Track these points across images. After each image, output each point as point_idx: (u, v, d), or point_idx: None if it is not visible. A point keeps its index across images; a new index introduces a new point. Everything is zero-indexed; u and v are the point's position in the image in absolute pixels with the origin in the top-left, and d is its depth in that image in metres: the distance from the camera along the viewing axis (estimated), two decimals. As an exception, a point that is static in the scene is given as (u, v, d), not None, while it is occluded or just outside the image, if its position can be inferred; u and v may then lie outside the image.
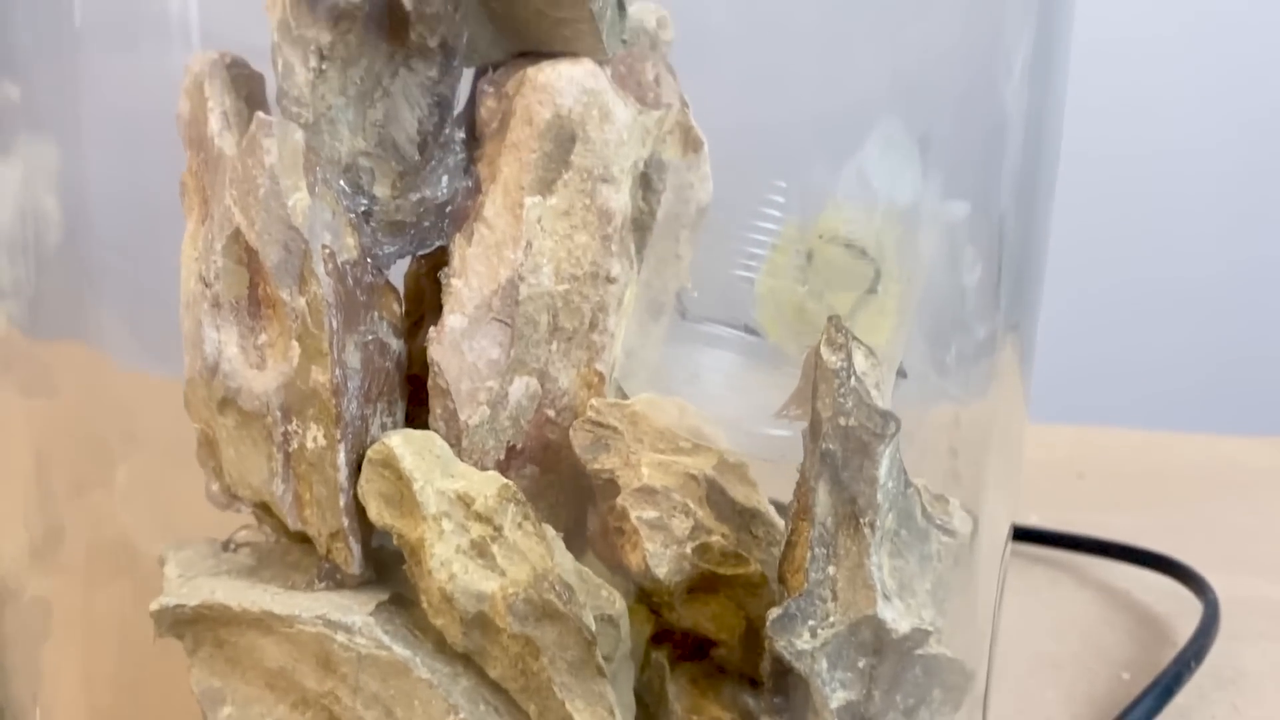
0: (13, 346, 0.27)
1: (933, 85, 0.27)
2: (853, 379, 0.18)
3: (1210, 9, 0.67)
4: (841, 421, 0.18)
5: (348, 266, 0.21)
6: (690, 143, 0.25)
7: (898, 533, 0.19)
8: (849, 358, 0.18)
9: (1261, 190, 0.70)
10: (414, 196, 0.21)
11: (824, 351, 0.18)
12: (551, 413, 0.22)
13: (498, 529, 0.20)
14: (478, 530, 0.20)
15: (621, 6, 0.21)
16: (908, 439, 0.23)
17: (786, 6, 0.26)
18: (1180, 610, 0.35)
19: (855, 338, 0.18)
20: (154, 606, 0.21)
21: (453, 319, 0.22)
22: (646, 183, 0.24)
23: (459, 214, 0.22)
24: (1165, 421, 0.57)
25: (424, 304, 0.24)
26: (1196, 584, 0.35)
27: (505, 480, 0.20)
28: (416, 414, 0.23)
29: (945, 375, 0.27)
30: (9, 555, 0.27)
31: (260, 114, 0.20)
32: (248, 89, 0.22)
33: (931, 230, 0.23)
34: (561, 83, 0.21)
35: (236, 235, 0.20)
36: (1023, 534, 0.40)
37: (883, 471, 0.18)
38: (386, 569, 0.22)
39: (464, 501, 0.20)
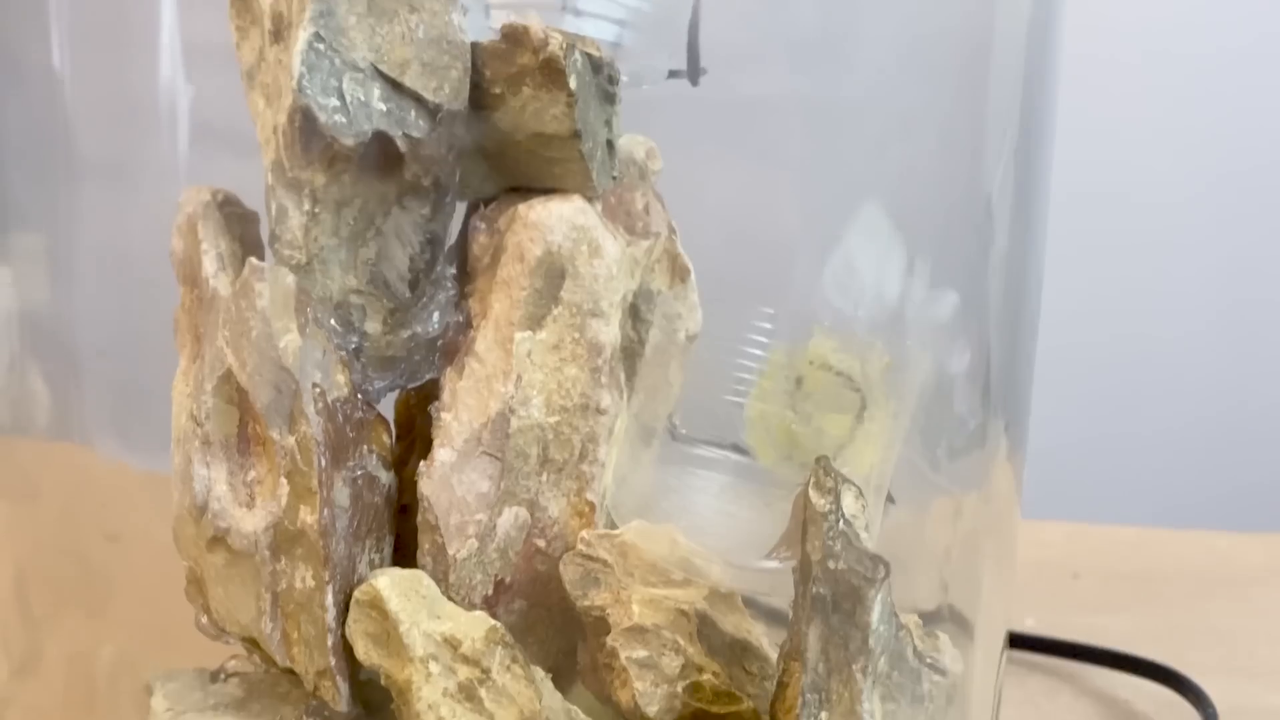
0: None
1: (920, 184, 0.27)
2: (841, 522, 0.18)
3: (1197, 97, 0.68)
4: (831, 565, 0.18)
5: (338, 404, 0.21)
6: (678, 271, 0.25)
7: (889, 675, 0.19)
8: (837, 500, 0.18)
9: (1252, 279, 0.71)
10: (405, 333, 0.22)
11: (812, 494, 0.18)
12: (541, 543, 0.22)
13: (485, 671, 0.20)
14: (465, 673, 0.20)
15: (611, 145, 0.22)
16: (899, 538, 0.23)
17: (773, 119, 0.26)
18: (1180, 722, 0.35)
19: (844, 479, 0.19)
20: (138, 751, 0.20)
21: (442, 453, 0.22)
22: (635, 313, 0.24)
23: (450, 348, 0.22)
24: (1157, 514, 0.57)
25: (414, 430, 0.24)
26: (1195, 695, 0.34)
27: (493, 622, 0.20)
28: (407, 540, 0.23)
29: (937, 470, 0.27)
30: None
31: (253, 260, 0.20)
32: (241, 228, 0.23)
33: (920, 332, 0.24)
34: (552, 220, 0.22)
35: (228, 375, 0.20)
36: (1020, 641, 0.40)
37: (875, 617, 0.18)
38: (375, 704, 0.22)
39: (451, 644, 0.20)
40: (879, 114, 0.27)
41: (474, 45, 0.21)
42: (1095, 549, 0.52)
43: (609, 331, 0.22)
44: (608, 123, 0.21)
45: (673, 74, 0.25)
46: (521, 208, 0.22)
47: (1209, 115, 0.68)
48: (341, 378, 0.21)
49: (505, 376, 0.21)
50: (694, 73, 0.25)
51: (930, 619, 0.25)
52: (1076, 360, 0.65)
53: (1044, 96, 0.28)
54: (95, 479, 0.28)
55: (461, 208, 0.23)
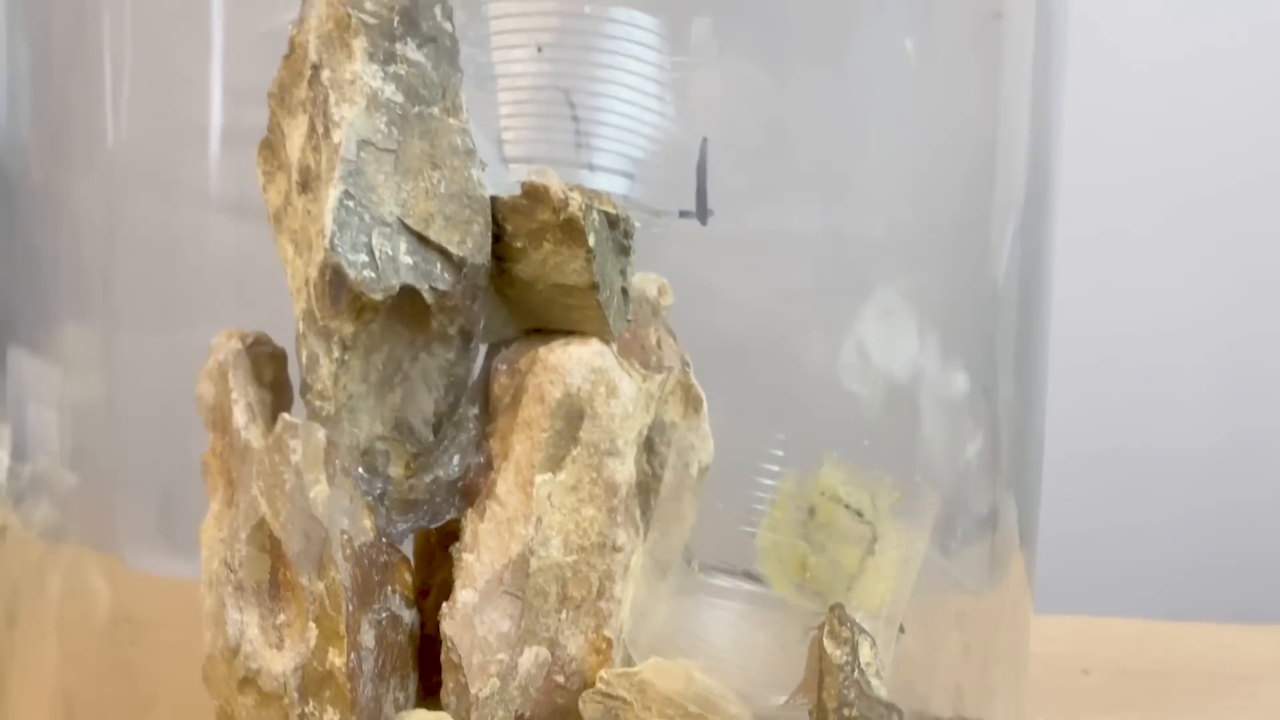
0: (46, 556, 0.28)
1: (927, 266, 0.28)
2: (856, 671, 0.19)
3: (1199, 184, 0.69)
4: (846, 713, 0.19)
5: (364, 549, 0.21)
6: (691, 401, 0.26)
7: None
8: (854, 651, 0.19)
9: (1257, 365, 0.72)
10: (427, 477, 0.22)
11: (828, 644, 0.19)
12: (560, 678, 0.23)
13: (510, 816, 0.20)
14: (490, 817, 0.20)
15: (625, 293, 0.23)
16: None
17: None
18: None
19: (859, 629, 0.19)
20: None
21: (465, 594, 0.22)
22: (650, 445, 0.25)
23: (470, 489, 0.23)
24: (1164, 602, 0.57)
25: (434, 563, 0.25)
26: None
27: (516, 765, 0.21)
28: (430, 675, 0.23)
29: (950, 559, 0.27)
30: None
31: (285, 416, 0.21)
32: (270, 371, 0.24)
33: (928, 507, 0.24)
34: (571, 363, 0.23)
35: (261, 524, 0.21)
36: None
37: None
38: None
39: (476, 789, 0.20)
40: (883, 240, 0.28)
41: (494, 199, 0.23)
42: (1104, 643, 0.52)
43: (625, 470, 0.23)
44: (623, 272, 0.22)
45: (683, 214, 0.26)
46: (542, 351, 0.23)
47: (1218, 207, 0.70)
48: (367, 523, 0.21)
49: (526, 519, 0.22)
50: (703, 213, 0.27)
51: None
52: (1080, 449, 0.66)
53: (1046, 224, 0.29)
54: (129, 590, 0.28)
55: (482, 348, 0.24)
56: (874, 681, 0.19)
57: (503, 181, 0.23)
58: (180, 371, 0.25)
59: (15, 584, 0.27)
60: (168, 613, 0.27)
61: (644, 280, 0.26)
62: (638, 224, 0.23)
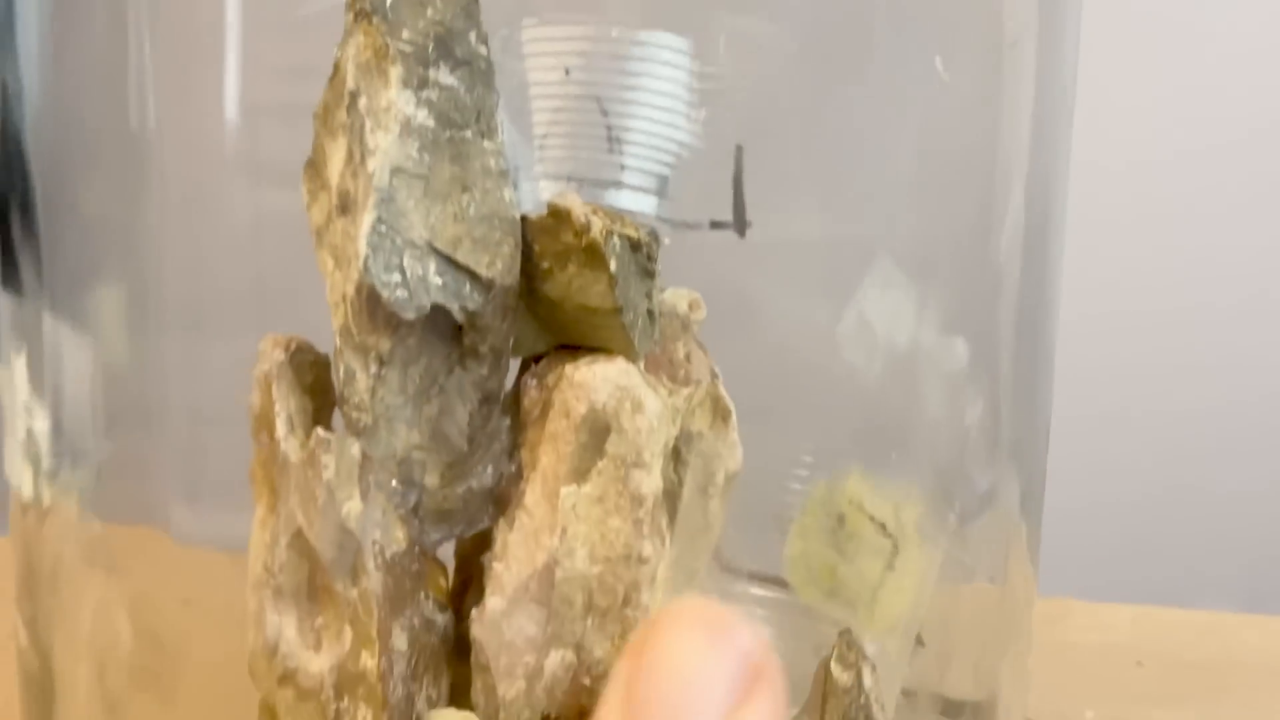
0: (86, 529, 0.29)
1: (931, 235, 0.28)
2: (863, 696, 0.19)
3: (1217, 174, 0.67)
4: (848, 734, 0.19)
5: (396, 558, 0.22)
6: (719, 412, 0.27)
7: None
8: (859, 676, 0.19)
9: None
10: (461, 487, 0.23)
11: (834, 669, 0.20)
12: (587, 680, 0.24)
13: (529, 815, 0.21)
14: (511, 816, 0.21)
15: (651, 314, 0.23)
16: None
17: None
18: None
19: (864, 655, 0.20)
20: None
21: (493, 601, 0.23)
22: (676, 455, 0.26)
23: (502, 498, 0.24)
24: (1230, 597, 0.56)
25: (472, 564, 0.26)
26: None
27: (536, 767, 0.22)
28: (462, 673, 0.25)
29: (949, 536, 0.27)
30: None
31: (319, 431, 0.22)
32: (312, 377, 0.25)
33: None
34: (596, 381, 0.23)
35: (299, 533, 0.22)
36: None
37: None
38: (430, 828, 0.24)
39: (498, 789, 0.21)
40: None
41: (524, 218, 0.23)
42: (1162, 635, 0.52)
43: (651, 482, 0.24)
44: (647, 295, 0.23)
45: (715, 225, 0.27)
46: (569, 368, 0.24)
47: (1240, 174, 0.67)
48: (400, 534, 0.22)
49: (551, 530, 0.23)
50: (740, 224, 0.27)
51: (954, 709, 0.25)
52: (1143, 433, 0.65)
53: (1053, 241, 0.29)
54: (170, 558, 0.29)
55: (515, 361, 0.25)
56: (875, 708, 0.19)
57: (536, 200, 0.24)
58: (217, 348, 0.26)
59: (56, 553, 0.29)
60: (210, 583, 0.28)
61: (675, 296, 0.26)
62: (666, 240, 0.24)
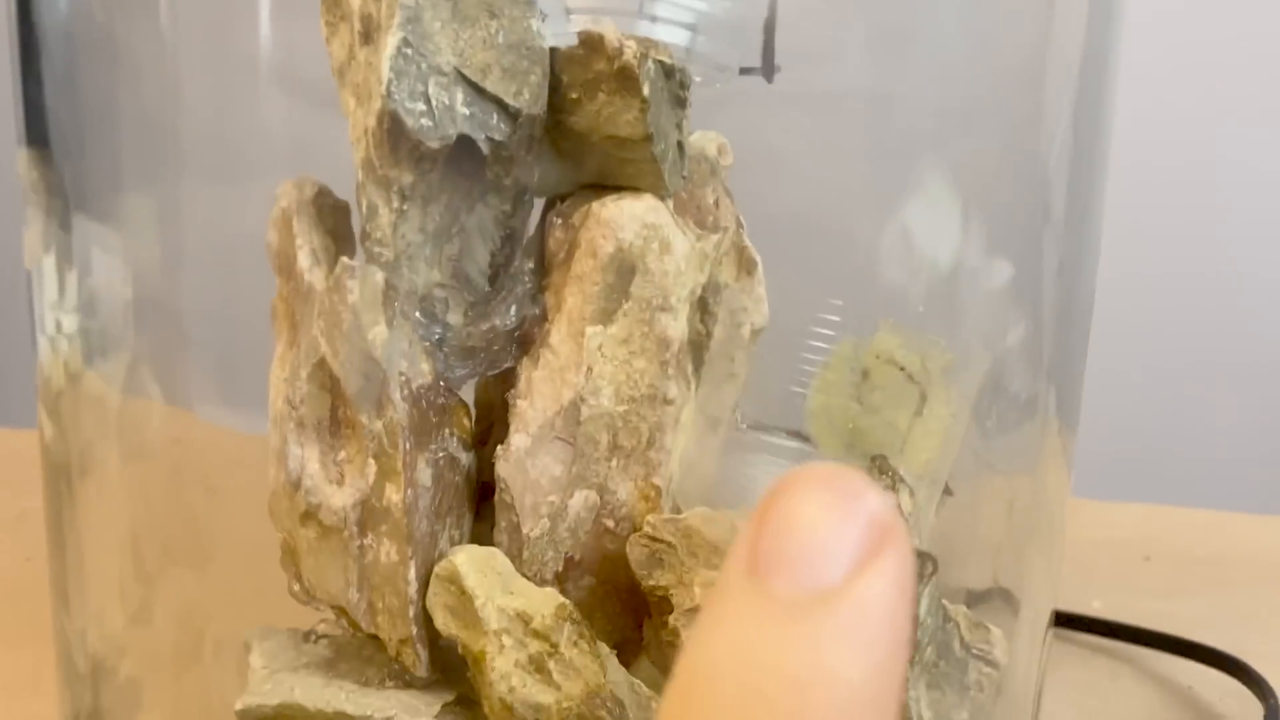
0: (109, 408, 0.29)
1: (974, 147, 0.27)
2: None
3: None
4: (881, 558, 0.19)
5: (422, 390, 0.22)
6: (745, 264, 0.26)
7: (936, 664, 0.20)
8: (895, 498, 0.19)
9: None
10: (484, 325, 0.23)
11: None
12: (610, 523, 0.24)
13: (554, 646, 0.21)
14: (535, 646, 0.21)
15: (681, 147, 0.23)
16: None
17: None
18: (1243, 712, 0.35)
19: (900, 478, 0.19)
20: (239, 706, 0.22)
21: (518, 438, 0.23)
22: (704, 305, 0.25)
23: (526, 339, 0.23)
24: (1233, 499, 0.56)
25: (494, 413, 0.26)
26: (1259, 686, 0.35)
27: (562, 599, 0.21)
28: (485, 516, 0.24)
29: (988, 441, 0.27)
30: (107, 633, 0.29)
31: (345, 259, 0.21)
32: (333, 220, 0.24)
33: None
34: (624, 218, 0.23)
35: (321, 363, 0.22)
36: (1084, 623, 0.41)
37: (922, 609, 0.19)
38: (452, 669, 0.24)
39: (523, 619, 0.21)
40: (942, 105, 0.27)
41: (552, 50, 0.23)
42: (1168, 532, 0.52)
43: (677, 326, 0.23)
44: (679, 125, 0.22)
45: (745, 71, 0.26)
46: (595, 205, 0.23)
47: None
48: (426, 366, 0.22)
49: (577, 368, 0.23)
50: (769, 70, 0.26)
51: (978, 597, 0.25)
52: (1156, 340, 0.65)
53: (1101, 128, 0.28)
54: (200, 443, 0.29)
55: (539, 203, 0.24)
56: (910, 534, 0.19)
57: (563, 32, 0.23)
58: (246, 225, 0.25)
59: (87, 436, 0.29)
60: (236, 463, 0.28)
61: (703, 138, 0.25)
62: (697, 78, 0.23)
